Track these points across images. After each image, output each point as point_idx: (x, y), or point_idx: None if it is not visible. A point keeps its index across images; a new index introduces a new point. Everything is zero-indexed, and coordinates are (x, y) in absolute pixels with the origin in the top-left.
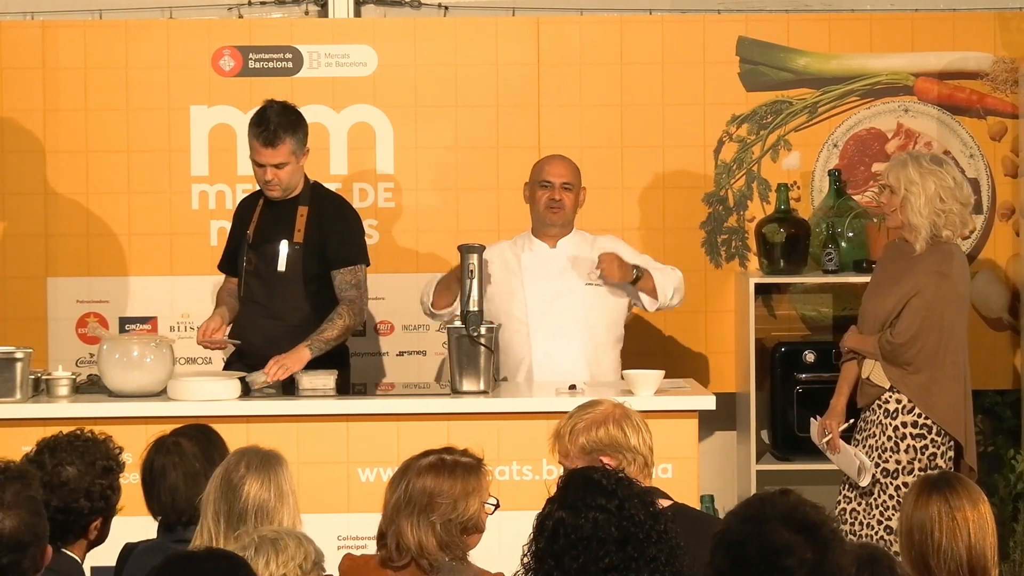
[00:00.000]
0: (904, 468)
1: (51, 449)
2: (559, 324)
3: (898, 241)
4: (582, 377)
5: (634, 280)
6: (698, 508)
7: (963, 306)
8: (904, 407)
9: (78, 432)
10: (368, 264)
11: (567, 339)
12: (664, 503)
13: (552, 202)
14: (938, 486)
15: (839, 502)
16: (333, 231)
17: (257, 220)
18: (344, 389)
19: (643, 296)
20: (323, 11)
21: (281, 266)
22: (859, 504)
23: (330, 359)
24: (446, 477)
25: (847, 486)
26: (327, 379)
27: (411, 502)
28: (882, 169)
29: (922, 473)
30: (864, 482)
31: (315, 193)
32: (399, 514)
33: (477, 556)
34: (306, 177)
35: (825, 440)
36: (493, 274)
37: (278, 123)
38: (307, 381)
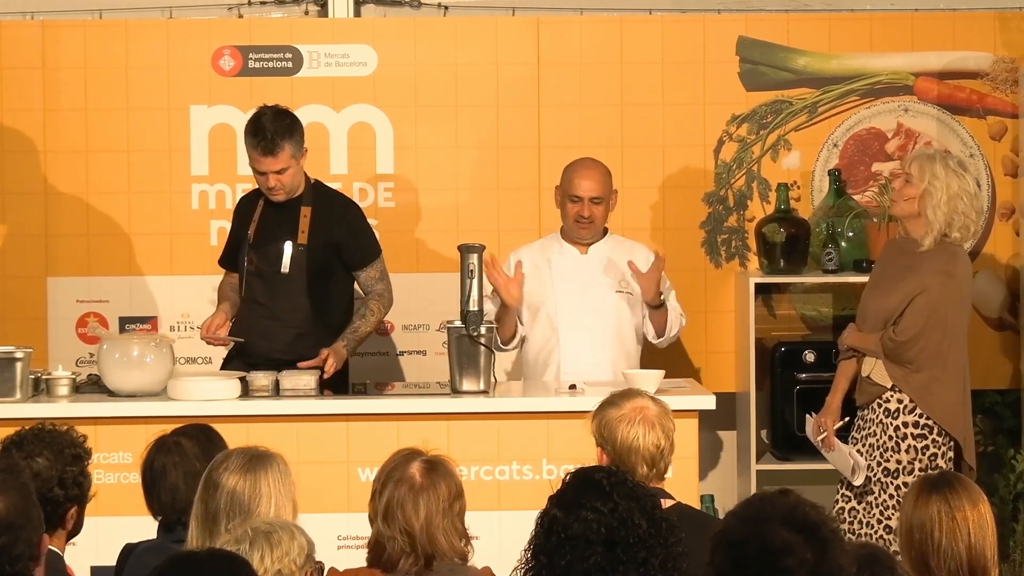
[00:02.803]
0: (904, 468)
1: (17, 444)
2: (589, 330)
3: (899, 239)
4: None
5: (657, 305)
6: (698, 508)
7: (966, 306)
8: (905, 407)
9: (41, 425)
10: (381, 251)
11: (596, 345)
12: (667, 503)
13: (581, 218)
14: (938, 486)
15: (837, 501)
16: (345, 234)
17: (259, 220)
18: (343, 389)
19: (648, 325)
20: (323, 11)
21: (285, 267)
22: (859, 503)
23: None
24: (448, 475)
25: (845, 485)
26: (309, 379)
27: (439, 512)
28: (897, 161)
29: (922, 473)
30: (858, 481)
31: (317, 193)
32: (431, 528)
33: (478, 556)
34: (307, 176)
35: (820, 438)
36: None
37: (274, 130)
38: (288, 381)
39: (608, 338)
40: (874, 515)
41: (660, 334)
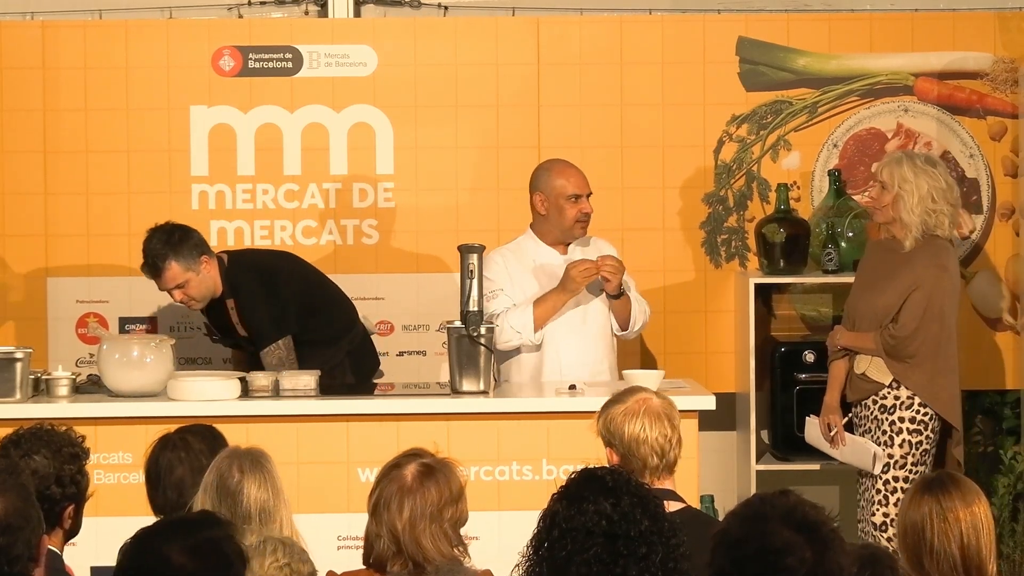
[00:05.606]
0: (897, 462)
1: (15, 443)
2: (580, 329)
3: (884, 240)
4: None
5: (618, 295)
6: (698, 508)
7: (957, 299)
8: (902, 403)
9: (39, 424)
10: (283, 336)
11: (587, 343)
12: (675, 506)
13: (584, 216)
14: (931, 487)
15: (866, 489)
16: (247, 319)
17: (212, 324)
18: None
19: (612, 319)
20: (323, 11)
21: (260, 348)
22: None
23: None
24: (444, 482)
25: (865, 476)
26: (309, 379)
27: (424, 516)
28: (876, 166)
29: (915, 468)
30: (877, 469)
31: (230, 280)
32: (415, 531)
33: (478, 556)
34: (222, 261)
35: (832, 435)
36: (505, 281)
37: (156, 252)
38: (288, 382)
39: (597, 335)
40: (864, 508)
41: (624, 327)
